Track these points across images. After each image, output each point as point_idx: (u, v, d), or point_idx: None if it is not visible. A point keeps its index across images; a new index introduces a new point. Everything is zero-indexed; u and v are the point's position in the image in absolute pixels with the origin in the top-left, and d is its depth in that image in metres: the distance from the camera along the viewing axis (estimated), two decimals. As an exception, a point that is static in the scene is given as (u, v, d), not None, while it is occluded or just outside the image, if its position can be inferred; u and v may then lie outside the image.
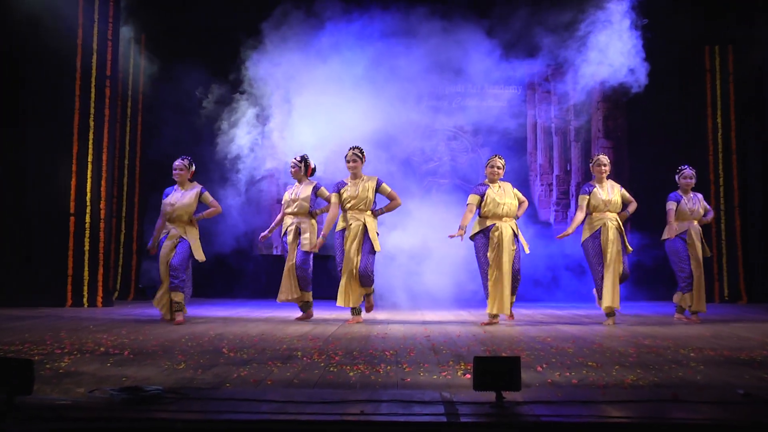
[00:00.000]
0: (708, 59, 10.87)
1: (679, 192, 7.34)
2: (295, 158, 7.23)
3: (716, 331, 6.09)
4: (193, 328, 6.00)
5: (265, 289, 10.70)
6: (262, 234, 7.48)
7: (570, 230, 6.93)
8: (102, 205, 8.66)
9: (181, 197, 6.83)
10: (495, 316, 6.70)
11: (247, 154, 9.78)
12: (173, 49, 10.51)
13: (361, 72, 9.79)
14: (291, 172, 7.23)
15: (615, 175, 11.02)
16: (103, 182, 8.69)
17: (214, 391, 3.25)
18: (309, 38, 9.61)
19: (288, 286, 7.01)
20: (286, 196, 7.22)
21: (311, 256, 7.08)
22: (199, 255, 6.78)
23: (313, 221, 7.17)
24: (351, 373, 3.79)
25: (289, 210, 7.14)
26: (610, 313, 6.74)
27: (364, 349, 4.74)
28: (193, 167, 7.02)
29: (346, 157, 6.89)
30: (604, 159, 7.11)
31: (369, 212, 6.83)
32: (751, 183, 10.56)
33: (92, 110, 8.64)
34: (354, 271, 6.70)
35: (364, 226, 6.74)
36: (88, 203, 8.52)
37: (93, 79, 8.67)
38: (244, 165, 9.93)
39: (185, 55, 10.26)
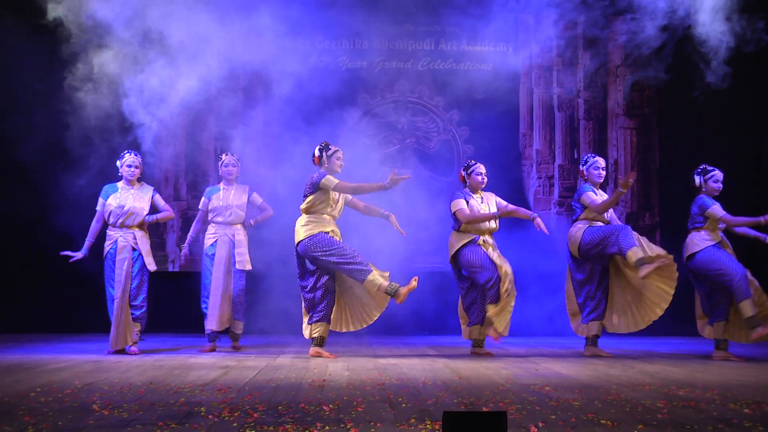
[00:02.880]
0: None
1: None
2: (232, 155, 8.40)
3: (781, 378, 6.21)
4: (50, 376, 5.89)
5: (155, 319, 10.55)
6: (183, 251, 8.59)
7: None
8: None
9: (134, 199, 7.97)
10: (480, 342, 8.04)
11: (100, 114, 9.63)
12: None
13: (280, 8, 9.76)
14: (226, 172, 8.38)
15: (640, 166, 11.18)
16: None
17: (78, 463, 3.18)
18: None
19: (224, 312, 8.15)
20: (214, 202, 8.34)
21: (247, 275, 8.41)
22: (151, 264, 7.96)
23: (247, 233, 8.43)
24: (274, 436, 3.76)
25: (220, 219, 8.29)
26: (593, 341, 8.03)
27: (293, 401, 4.71)
28: None
29: (335, 154, 7.75)
30: (602, 161, 8.22)
31: None
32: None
33: None
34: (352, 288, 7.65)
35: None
36: None
37: None
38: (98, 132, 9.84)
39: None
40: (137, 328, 7.90)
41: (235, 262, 8.19)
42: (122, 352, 7.80)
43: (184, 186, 10.91)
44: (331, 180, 7.51)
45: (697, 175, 8.06)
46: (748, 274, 7.67)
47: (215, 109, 10.72)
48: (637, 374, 6.29)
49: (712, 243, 7.85)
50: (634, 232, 7.71)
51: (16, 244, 10.61)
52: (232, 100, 10.57)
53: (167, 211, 8.19)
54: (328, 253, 7.43)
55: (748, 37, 8.88)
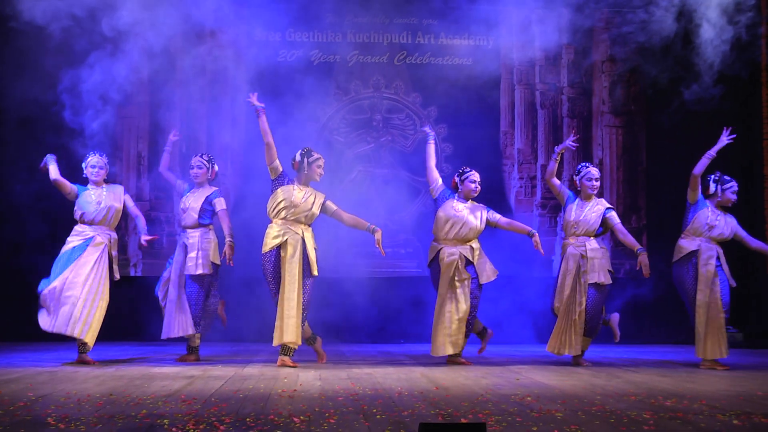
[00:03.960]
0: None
1: (714, 205, 8.15)
2: (200, 157, 8.28)
3: (770, 388, 6.25)
4: (1, 388, 5.83)
5: (114, 326, 10.54)
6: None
7: None
8: None
9: (107, 196, 7.99)
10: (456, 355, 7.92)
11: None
12: None
13: None
14: (193, 174, 8.30)
15: (626, 166, 11.23)
16: None
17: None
18: None
19: (176, 320, 8.08)
20: (182, 205, 8.33)
21: (205, 281, 8.16)
22: (116, 272, 8.00)
23: (210, 236, 8.23)
24: (241, 450, 3.76)
25: (182, 223, 8.30)
26: (575, 362, 7.98)
27: (262, 413, 4.70)
28: None
29: (317, 161, 7.78)
30: (596, 172, 8.22)
31: (308, 227, 7.79)
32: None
33: None
34: (296, 297, 7.55)
35: (303, 242, 7.66)
36: None
37: None
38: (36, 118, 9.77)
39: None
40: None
41: (187, 268, 8.13)
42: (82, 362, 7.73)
43: (147, 185, 10.87)
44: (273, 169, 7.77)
45: (714, 182, 8.13)
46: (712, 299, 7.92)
47: (179, 106, 10.71)
48: (623, 384, 6.32)
49: (689, 250, 8.05)
50: None
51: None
52: (198, 95, 10.58)
53: (139, 217, 8.20)
54: (267, 277, 7.73)
55: (744, 41, 9.03)
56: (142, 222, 8.17)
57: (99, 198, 7.96)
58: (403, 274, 10.83)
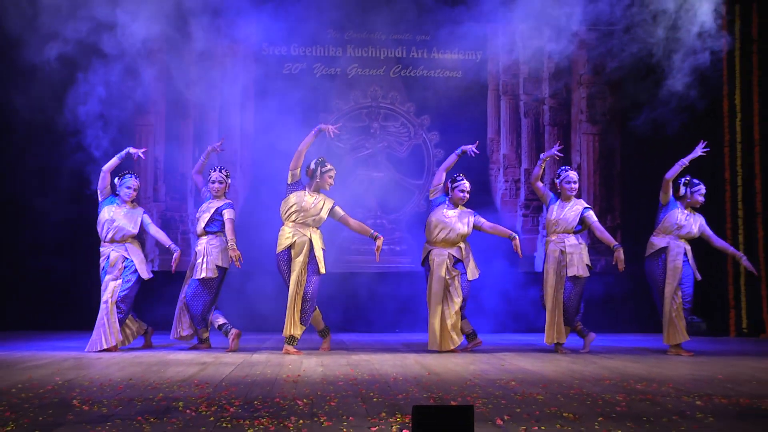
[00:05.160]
0: (726, 11, 10.58)
1: (684, 206, 8.22)
2: (220, 171, 8.17)
3: (731, 372, 6.27)
4: (30, 373, 5.86)
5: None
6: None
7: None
8: None
9: (124, 216, 7.97)
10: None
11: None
12: None
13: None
14: (214, 188, 8.14)
15: (603, 171, 11.24)
16: None
17: (61, 456, 3.18)
18: None
19: (179, 320, 8.15)
20: (198, 213, 8.32)
21: (213, 283, 8.04)
22: (145, 272, 7.96)
23: (215, 242, 8.09)
24: (250, 430, 3.78)
25: (195, 230, 8.34)
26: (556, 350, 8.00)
27: (268, 396, 4.72)
28: None
29: (329, 172, 7.82)
30: (574, 175, 8.24)
31: (316, 229, 7.78)
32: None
33: None
34: (301, 293, 7.62)
35: (310, 242, 7.69)
36: None
37: None
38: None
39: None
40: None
41: (195, 272, 8.08)
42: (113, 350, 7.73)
43: (163, 188, 10.88)
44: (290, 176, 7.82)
45: (684, 185, 8.19)
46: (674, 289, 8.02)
47: (192, 114, 10.76)
48: (599, 369, 6.36)
49: (659, 247, 8.14)
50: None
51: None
52: (209, 104, 10.63)
53: (159, 232, 8.19)
54: (282, 275, 7.76)
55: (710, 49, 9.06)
56: (162, 236, 8.15)
57: (115, 216, 7.95)
58: (398, 269, 10.84)
